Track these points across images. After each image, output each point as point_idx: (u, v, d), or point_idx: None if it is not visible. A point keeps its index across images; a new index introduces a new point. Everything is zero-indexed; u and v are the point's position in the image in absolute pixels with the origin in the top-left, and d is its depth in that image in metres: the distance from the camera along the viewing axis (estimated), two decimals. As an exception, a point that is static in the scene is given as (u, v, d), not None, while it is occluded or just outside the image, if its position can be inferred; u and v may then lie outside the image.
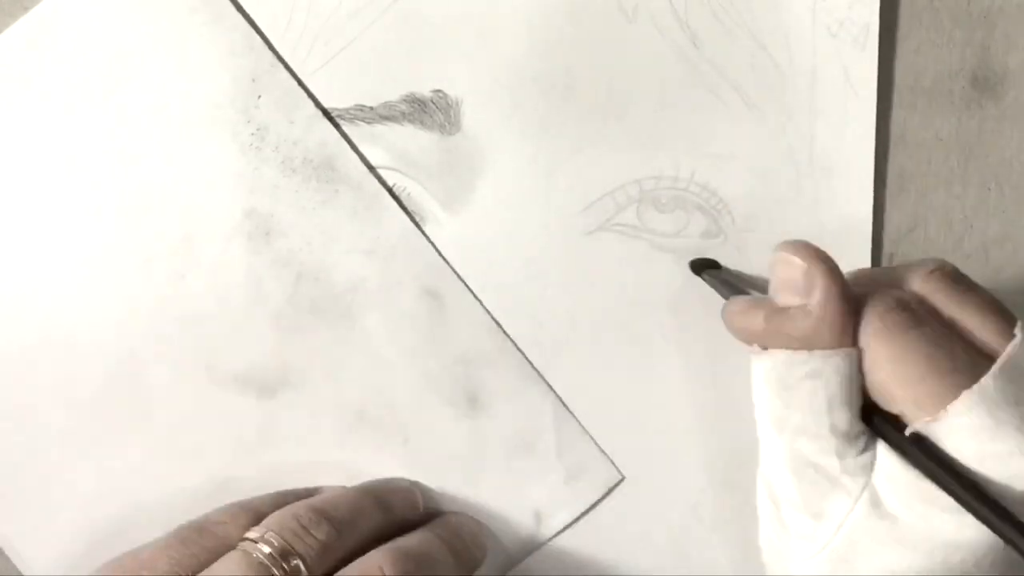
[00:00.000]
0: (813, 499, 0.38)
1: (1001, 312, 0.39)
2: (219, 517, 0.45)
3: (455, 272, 0.48)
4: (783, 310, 0.39)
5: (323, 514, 0.44)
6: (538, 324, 0.49)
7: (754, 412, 0.40)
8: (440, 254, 0.48)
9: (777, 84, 0.47)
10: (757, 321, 0.40)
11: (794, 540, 0.39)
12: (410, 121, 0.47)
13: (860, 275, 0.41)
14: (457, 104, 0.47)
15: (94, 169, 0.46)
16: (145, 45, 0.45)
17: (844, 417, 0.38)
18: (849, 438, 0.38)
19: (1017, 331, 0.38)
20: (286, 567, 0.42)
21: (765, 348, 0.40)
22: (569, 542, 0.50)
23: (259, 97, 0.46)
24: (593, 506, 0.50)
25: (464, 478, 0.49)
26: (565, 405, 0.49)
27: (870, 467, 0.38)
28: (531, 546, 0.50)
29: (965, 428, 0.36)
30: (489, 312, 0.48)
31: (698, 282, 0.48)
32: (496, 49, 0.46)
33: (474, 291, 0.48)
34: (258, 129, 0.46)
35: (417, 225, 0.47)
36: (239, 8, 0.45)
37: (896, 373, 0.37)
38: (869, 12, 0.46)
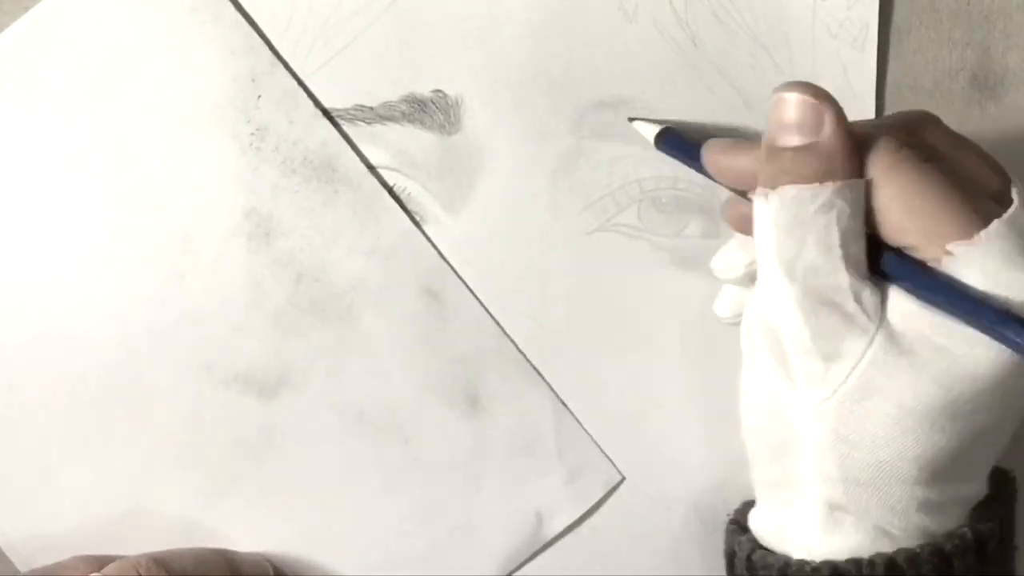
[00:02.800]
0: (827, 340, 0.37)
1: (991, 159, 0.40)
2: (71, 563, 0.46)
3: (455, 272, 0.48)
4: (783, 150, 0.38)
5: (162, 564, 0.44)
6: (538, 324, 0.49)
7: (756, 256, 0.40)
8: (440, 254, 0.48)
9: (777, 84, 0.47)
10: (745, 162, 0.40)
11: (800, 389, 0.39)
12: (410, 121, 0.47)
13: (854, 122, 0.40)
14: (457, 104, 0.47)
15: (94, 169, 0.46)
16: (145, 45, 0.45)
17: (857, 250, 0.38)
18: (861, 273, 0.38)
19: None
20: None
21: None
22: (570, 543, 0.49)
23: (259, 97, 0.46)
24: (594, 507, 0.49)
25: (464, 478, 0.49)
26: (565, 405, 0.49)
27: (882, 304, 0.38)
28: (532, 547, 0.49)
29: (993, 254, 0.36)
30: (489, 312, 0.48)
31: (698, 282, 0.48)
32: (496, 49, 0.46)
33: (474, 291, 0.48)
34: (258, 129, 0.46)
35: (417, 225, 0.47)
36: (239, 8, 0.45)
37: (909, 205, 0.37)
38: (868, 12, 0.46)
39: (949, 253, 0.36)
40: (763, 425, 0.41)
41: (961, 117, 0.49)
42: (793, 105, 0.38)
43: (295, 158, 0.46)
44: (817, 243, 0.37)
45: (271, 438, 0.48)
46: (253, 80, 0.46)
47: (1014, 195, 0.38)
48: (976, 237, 0.36)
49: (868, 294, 0.37)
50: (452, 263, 0.48)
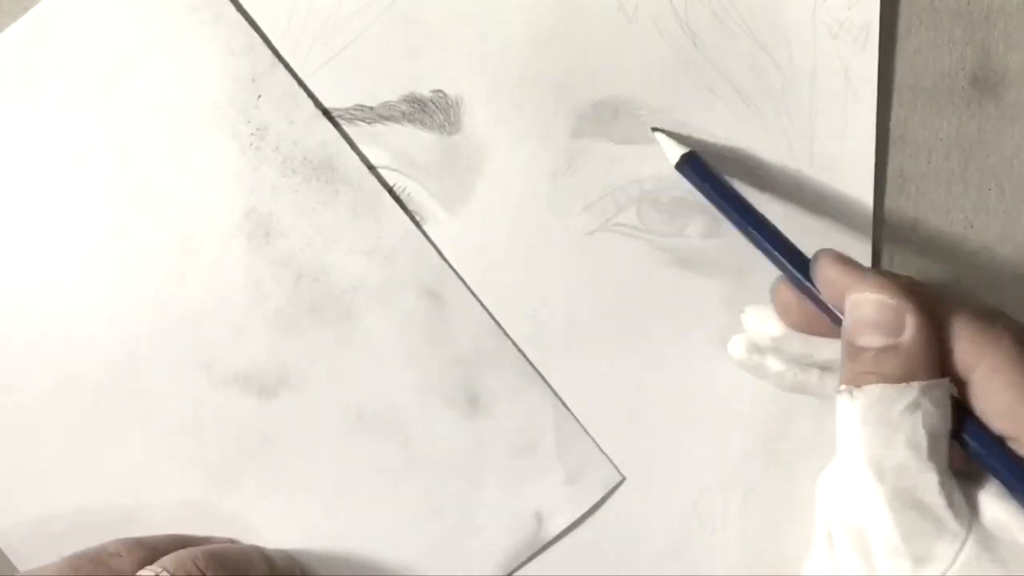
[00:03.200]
0: (918, 542, 0.37)
1: None
2: (114, 548, 0.45)
3: (455, 272, 0.48)
4: (864, 350, 0.38)
5: (217, 559, 0.44)
6: (538, 324, 0.49)
7: (838, 458, 0.39)
8: (440, 254, 0.48)
9: (777, 84, 0.47)
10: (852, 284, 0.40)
11: None
12: (410, 121, 0.47)
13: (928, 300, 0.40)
14: (457, 104, 0.47)
15: (94, 169, 0.46)
16: (145, 45, 0.45)
17: (945, 451, 0.37)
18: (951, 474, 0.37)
19: None
20: None
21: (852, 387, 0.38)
22: (570, 543, 0.49)
23: (259, 97, 0.46)
24: (594, 507, 0.49)
25: (464, 479, 0.49)
26: (565, 405, 0.49)
27: (975, 507, 0.37)
28: (532, 547, 0.49)
29: None
30: (489, 312, 0.48)
31: (698, 282, 0.48)
32: (496, 49, 0.46)
33: (474, 291, 0.48)
34: (258, 129, 0.46)
35: (417, 225, 0.47)
36: (239, 8, 0.45)
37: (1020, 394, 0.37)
38: (869, 13, 0.46)
39: None
40: None
41: (961, 117, 0.49)
42: (872, 306, 0.38)
43: (295, 158, 0.46)
44: (906, 443, 0.37)
45: (271, 438, 0.48)
46: (253, 80, 0.46)
47: None
48: None
49: (958, 496, 0.37)
50: (452, 263, 0.48)
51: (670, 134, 0.46)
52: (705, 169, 0.45)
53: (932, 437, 0.37)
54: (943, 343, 0.38)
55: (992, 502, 0.37)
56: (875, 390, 0.37)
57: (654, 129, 0.47)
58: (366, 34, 0.46)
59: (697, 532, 0.50)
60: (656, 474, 0.50)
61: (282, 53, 0.46)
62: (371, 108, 0.46)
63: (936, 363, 0.38)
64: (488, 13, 0.46)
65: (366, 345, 0.48)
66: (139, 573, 0.43)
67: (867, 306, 0.38)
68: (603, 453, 0.49)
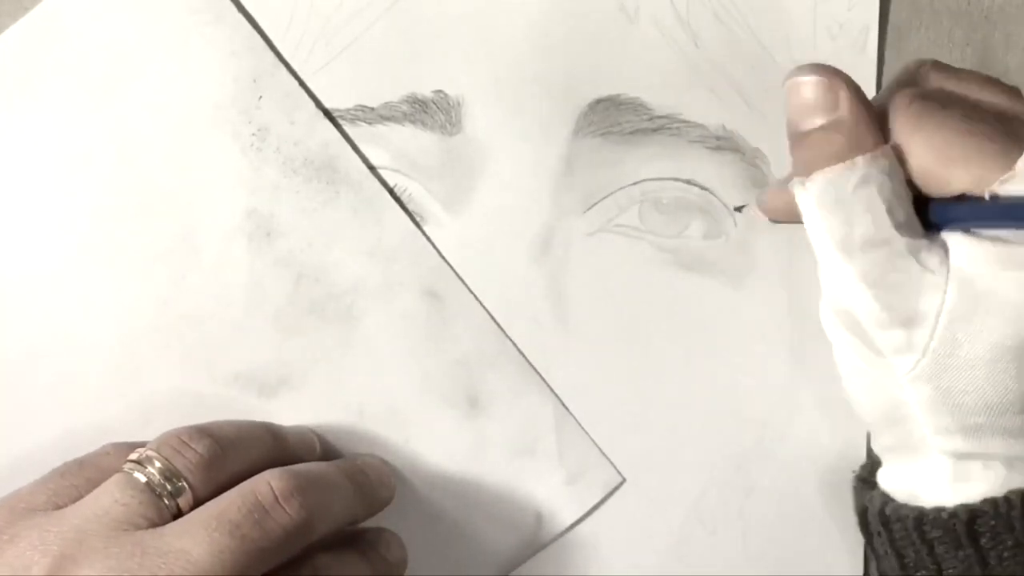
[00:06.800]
0: (902, 305, 0.38)
1: (998, 81, 0.41)
2: (103, 450, 0.44)
3: (456, 273, 0.48)
4: (807, 133, 0.39)
5: (205, 431, 0.43)
6: (538, 325, 0.49)
7: (810, 238, 0.39)
8: (441, 255, 0.48)
9: (778, 85, 0.47)
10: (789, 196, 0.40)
11: (892, 360, 0.39)
12: (411, 122, 0.47)
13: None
14: (458, 104, 0.47)
15: (95, 170, 0.46)
16: (146, 45, 0.45)
17: (906, 214, 0.38)
18: (915, 233, 0.38)
19: None
20: (169, 487, 0.41)
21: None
22: (569, 543, 0.50)
23: (260, 98, 0.46)
24: (594, 508, 0.49)
25: (464, 479, 0.49)
26: (565, 406, 0.49)
27: (945, 256, 0.38)
28: (532, 548, 0.49)
29: None
30: (489, 313, 0.48)
31: (699, 283, 0.48)
32: (497, 49, 0.46)
33: (474, 292, 0.48)
34: (259, 130, 0.46)
35: (418, 226, 0.47)
36: (240, 8, 0.45)
37: (943, 155, 0.38)
38: (869, 14, 0.47)
39: (994, 195, 0.37)
40: (869, 400, 0.41)
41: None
42: (808, 87, 0.39)
43: (296, 158, 0.46)
44: (865, 216, 0.38)
45: (271, 439, 0.48)
46: (254, 81, 0.46)
47: None
48: (1020, 163, 0.36)
49: (928, 251, 0.38)
50: (453, 263, 0.48)
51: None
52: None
53: (890, 204, 0.38)
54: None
55: (962, 241, 0.38)
56: (825, 173, 0.38)
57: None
58: (367, 35, 0.46)
59: (697, 532, 0.50)
60: (656, 475, 0.50)
61: (283, 54, 0.46)
62: (372, 109, 0.46)
63: (877, 134, 0.38)
64: (489, 13, 0.46)
65: (366, 345, 0.48)
66: (127, 459, 0.42)
67: (802, 88, 0.39)
68: (603, 454, 0.49)
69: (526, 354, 0.49)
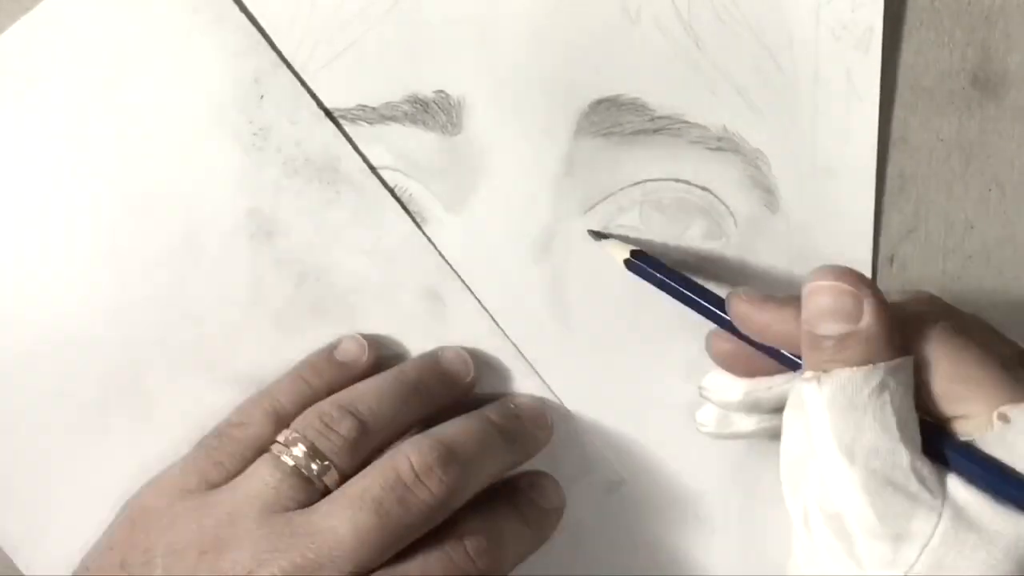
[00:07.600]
0: (894, 521, 0.37)
1: (994, 328, 0.41)
2: (234, 421, 0.46)
3: (456, 273, 0.48)
4: (825, 338, 0.38)
5: (347, 409, 0.44)
6: (538, 325, 0.49)
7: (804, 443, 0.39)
8: (441, 255, 0.48)
9: (780, 86, 0.47)
10: (775, 318, 0.40)
11: (868, 571, 0.38)
12: (412, 122, 0.47)
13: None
14: (459, 105, 0.47)
15: (95, 170, 0.46)
16: (147, 45, 0.45)
17: (913, 429, 0.38)
18: (917, 447, 0.38)
19: None
20: (316, 468, 0.43)
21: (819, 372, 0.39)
22: (569, 543, 0.50)
23: (261, 97, 0.46)
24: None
25: (465, 479, 0.49)
26: (565, 406, 0.49)
27: (944, 478, 0.37)
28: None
29: None
30: (489, 313, 0.48)
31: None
32: (499, 50, 0.46)
33: (475, 292, 0.48)
34: (260, 129, 0.46)
35: (418, 226, 0.47)
36: (242, 8, 0.45)
37: (961, 375, 0.38)
38: (873, 15, 0.46)
39: (1004, 417, 0.37)
40: None
41: (961, 117, 0.49)
42: (830, 294, 0.38)
43: (297, 158, 0.46)
44: (875, 425, 0.37)
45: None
46: (256, 81, 0.46)
47: None
48: None
49: (929, 472, 0.37)
50: (453, 264, 0.48)
51: (616, 237, 0.47)
52: (654, 262, 0.46)
53: (900, 416, 0.37)
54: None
55: (960, 476, 0.38)
56: (841, 374, 0.38)
57: (598, 237, 0.47)
58: (368, 35, 0.46)
59: (697, 532, 0.50)
60: (656, 475, 0.50)
61: (284, 54, 0.46)
62: (373, 108, 0.46)
63: (897, 343, 0.38)
64: (490, 13, 0.46)
65: (367, 345, 0.48)
66: (275, 440, 0.44)
67: (824, 294, 0.38)
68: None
69: (526, 354, 0.49)
